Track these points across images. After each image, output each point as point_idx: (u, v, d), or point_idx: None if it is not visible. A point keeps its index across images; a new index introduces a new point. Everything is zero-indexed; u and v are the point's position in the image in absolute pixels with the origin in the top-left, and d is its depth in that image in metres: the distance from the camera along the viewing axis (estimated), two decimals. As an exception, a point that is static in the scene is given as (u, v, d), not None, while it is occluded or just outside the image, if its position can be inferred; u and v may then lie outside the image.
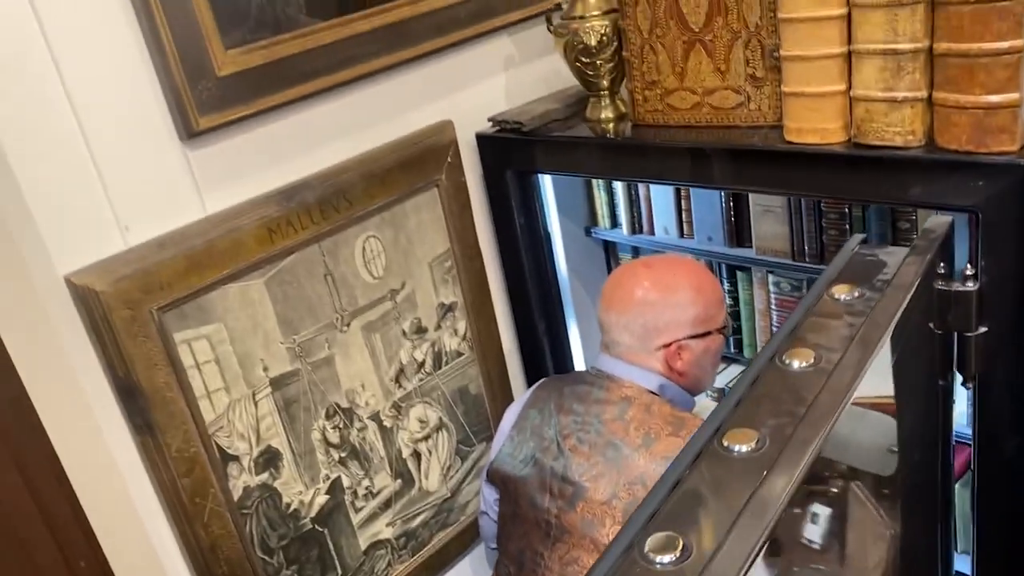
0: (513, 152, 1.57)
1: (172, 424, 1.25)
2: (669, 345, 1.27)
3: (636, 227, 1.73)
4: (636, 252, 1.80)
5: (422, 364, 1.60)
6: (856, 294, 0.96)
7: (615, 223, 1.77)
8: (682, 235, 1.66)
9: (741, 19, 1.22)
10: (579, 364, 1.86)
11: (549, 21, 1.48)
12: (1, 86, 1.07)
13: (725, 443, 0.68)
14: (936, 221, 1.03)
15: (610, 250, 1.86)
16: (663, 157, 1.35)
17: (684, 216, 1.64)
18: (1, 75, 1.06)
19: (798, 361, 0.86)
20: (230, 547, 1.35)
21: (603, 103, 1.49)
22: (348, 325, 1.46)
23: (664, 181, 1.52)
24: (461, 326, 1.65)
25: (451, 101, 1.57)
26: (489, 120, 1.59)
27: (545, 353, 1.77)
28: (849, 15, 1.06)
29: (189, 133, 1.23)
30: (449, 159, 1.55)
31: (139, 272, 1.18)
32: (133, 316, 1.18)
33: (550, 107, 1.57)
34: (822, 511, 0.81)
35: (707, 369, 1.34)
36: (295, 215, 1.34)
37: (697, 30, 1.27)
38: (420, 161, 1.50)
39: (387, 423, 1.56)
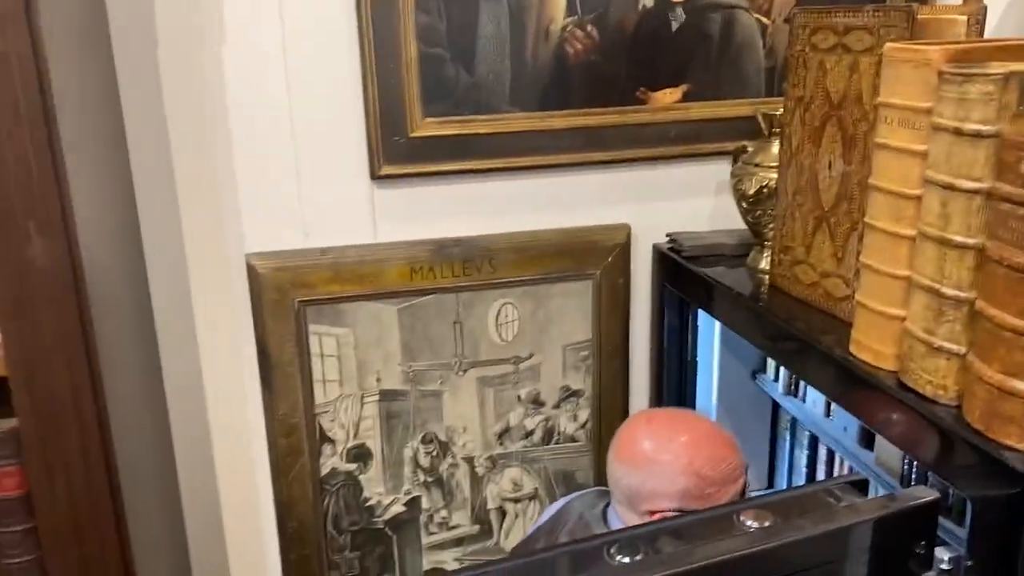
0: (674, 273, 1.59)
1: (285, 391, 1.54)
2: (654, 513, 1.20)
3: (791, 388, 1.62)
4: (794, 421, 1.68)
5: (530, 433, 1.70)
6: (767, 523, 0.88)
7: (778, 376, 1.67)
8: (827, 415, 1.52)
9: (860, 210, 1.13)
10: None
11: (735, 160, 1.48)
12: (244, 95, 1.42)
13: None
14: (916, 492, 0.89)
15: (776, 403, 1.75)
16: (771, 329, 1.29)
17: (834, 395, 1.50)
18: (246, 81, 1.42)
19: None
20: (304, 511, 1.61)
21: (763, 253, 1.45)
22: (465, 372, 1.63)
23: (766, 352, 1.44)
24: (583, 414, 1.71)
25: (640, 208, 1.64)
26: (666, 236, 1.62)
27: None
28: (920, 239, 0.95)
29: (372, 175, 1.50)
30: (610, 259, 1.62)
31: (295, 268, 1.49)
32: (278, 300, 1.49)
33: (724, 241, 1.56)
34: None
35: None
36: (439, 264, 1.55)
37: (826, 209, 1.20)
38: (578, 252, 1.60)
39: (479, 471, 1.69)
